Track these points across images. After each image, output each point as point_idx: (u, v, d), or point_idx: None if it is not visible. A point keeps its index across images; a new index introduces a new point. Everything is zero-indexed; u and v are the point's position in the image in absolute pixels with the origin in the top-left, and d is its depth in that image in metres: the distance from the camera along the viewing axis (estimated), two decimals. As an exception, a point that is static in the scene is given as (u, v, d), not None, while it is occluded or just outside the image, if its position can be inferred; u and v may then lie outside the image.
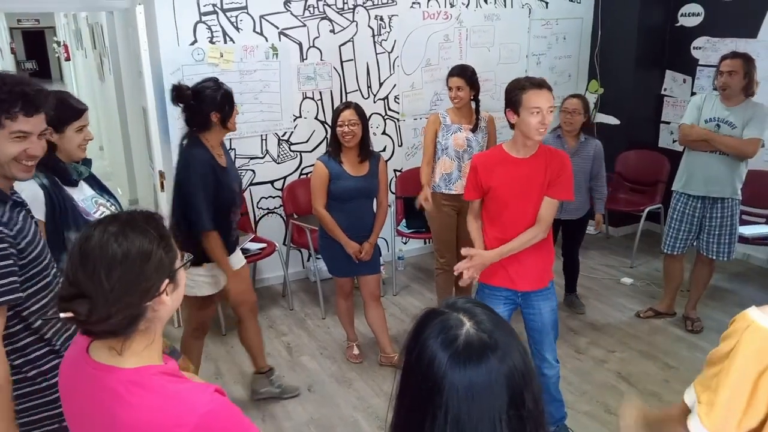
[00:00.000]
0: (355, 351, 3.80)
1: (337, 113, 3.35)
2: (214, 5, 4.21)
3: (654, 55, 5.42)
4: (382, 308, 3.74)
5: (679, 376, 3.58)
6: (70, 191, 2.19)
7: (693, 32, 5.25)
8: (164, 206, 4.01)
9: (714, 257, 3.90)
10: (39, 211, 1.99)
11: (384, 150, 5.06)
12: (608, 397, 3.41)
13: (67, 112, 2.20)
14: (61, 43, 14.29)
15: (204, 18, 4.20)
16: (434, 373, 0.90)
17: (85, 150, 2.32)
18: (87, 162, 2.39)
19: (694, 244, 3.97)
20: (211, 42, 4.26)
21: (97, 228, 1.16)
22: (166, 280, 1.18)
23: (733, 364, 1.18)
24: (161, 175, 3.90)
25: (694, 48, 5.25)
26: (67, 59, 13.82)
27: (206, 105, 2.87)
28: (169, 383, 1.17)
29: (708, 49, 5.16)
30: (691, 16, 5.26)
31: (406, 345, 0.98)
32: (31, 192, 1.99)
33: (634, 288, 4.69)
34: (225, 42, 4.30)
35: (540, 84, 2.62)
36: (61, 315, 1.12)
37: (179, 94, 2.88)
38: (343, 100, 4.79)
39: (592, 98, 5.75)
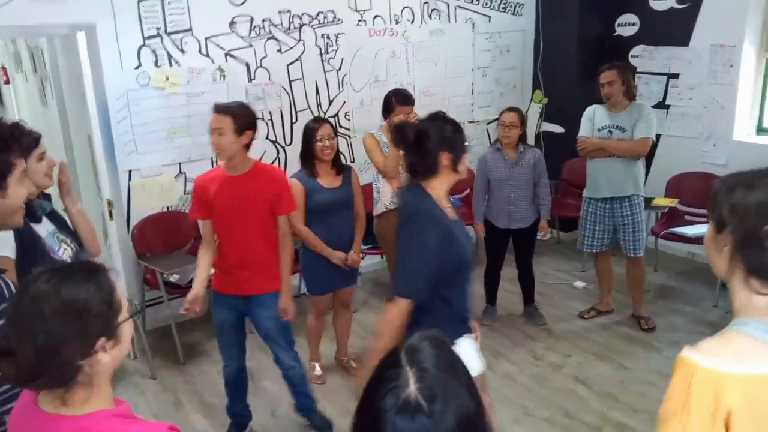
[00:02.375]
0: (317, 372, 3.80)
1: (312, 130, 3.38)
2: (157, 29, 4.16)
3: (594, 64, 5.51)
4: (351, 314, 3.91)
5: (634, 377, 3.69)
6: (35, 227, 2.13)
7: (630, 41, 5.45)
8: (113, 235, 3.94)
9: (632, 254, 4.11)
10: (8, 249, 1.92)
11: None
12: (567, 402, 3.48)
13: (24, 142, 2.11)
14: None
15: (148, 42, 4.14)
16: (378, 417, 0.92)
17: (51, 178, 2.25)
18: (47, 197, 2.33)
19: (621, 244, 4.16)
20: (156, 65, 4.20)
21: (34, 282, 1.13)
22: (103, 338, 1.15)
23: (690, 417, 1.11)
24: (109, 203, 3.82)
25: (631, 56, 5.45)
26: (7, 82, 13.36)
27: (432, 144, 2.24)
28: (122, 426, 1.16)
29: (645, 57, 5.36)
30: (627, 26, 5.46)
31: (366, 384, 0.99)
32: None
33: (586, 291, 4.81)
34: (170, 65, 4.24)
35: (215, 108, 2.82)
36: None
37: (401, 134, 2.31)
38: (293, 120, 4.80)
39: (536, 108, 5.90)
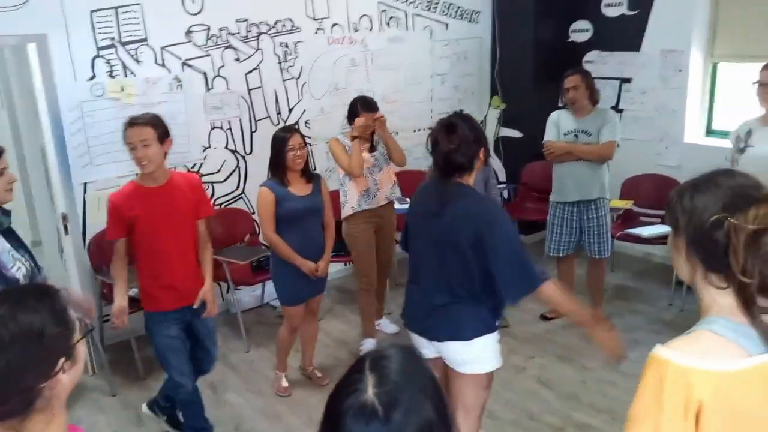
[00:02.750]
0: (284, 383, 3.76)
1: (283, 139, 3.37)
2: (112, 39, 4.08)
3: (550, 69, 5.67)
4: (317, 323, 3.90)
5: (595, 377, 3.76)
6: None
7: (584, 47, 5.58)
8: (69, 250, 3.85)
9: (597, 256, 4.20)
10: None
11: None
12: (530, 404, 3.53)
13: None
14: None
15: (102, 52, 4.07)
16: (338, 417, 0.94)
17: (12, 193, 2.21)
18: (7, 213, 2.28)
19: (585, 246, 4.25)
20: (111, 76, 4.13)
21: None
22: (62, 359, 1.13)
23: (663, 413, 1.15)
24: (64, 218, 3.73)
25: (586, 62, 5.57)
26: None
27: (478, 139, 2.40)
28: None
29: (599, 63, 5.49)
30: (581, 32, 5.59)
31: (334, 387, 1.01)
32: None
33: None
34: (126, 75, 4.17)
35: (132, 122, 2.82)
36: None
37: (452, 132, 2.36)
38: (253, 129, 4.77)
39: (495, 113, 5.99)
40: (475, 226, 2.29)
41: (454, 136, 2.34)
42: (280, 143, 3.39)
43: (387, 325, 4.47)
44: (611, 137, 3.98)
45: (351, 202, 3.96)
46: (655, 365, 1.18)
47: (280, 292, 3.60)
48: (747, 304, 1.18)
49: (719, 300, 1.22)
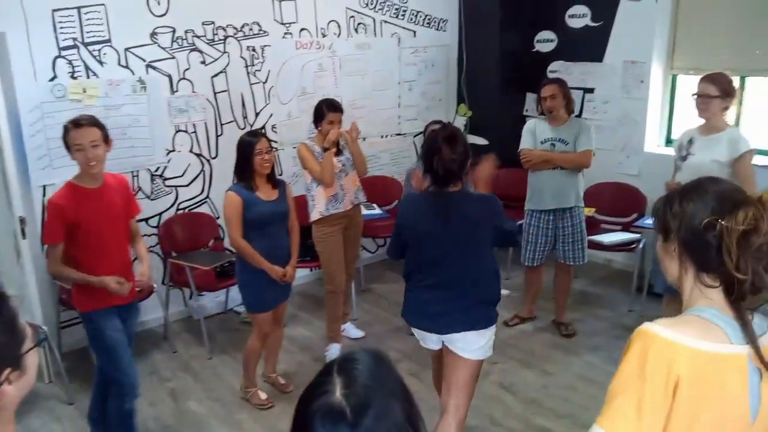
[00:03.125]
0: (263, 396, 3.68)
1: (251, 144, 3.33)
2: (74, 39, 4.01)
3: (515, 78, 5.78)
4: (283, 330, 3.87)
5: (556, 382, 3.81)
6: None
7: (548, 57, 5.67)
8: (26, 254, 3.75)
9: (572, 263, 4.26)
10: None
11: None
12: (493, 409, 3.56)
13: None
14: None
15: (64, 53, 3.99)
16: (306, 420, 0.95)
17: None
18: None
19: (558, 254, 4.29)
20: (73, 77, 4.05)
21: None
22: (8, 369, 1.09)
23: (646, 384, 1.21)
24: (22, 221, 3.64)
25: (550, 71, 5.66)
26: None
27: (467, 153, 2.67)
28: None
29: (563, 73, 5.58)
30: (545, 42, 5.69)
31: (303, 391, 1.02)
32: None
33: (510, 299, 4.92)
34: (88, 77, 4.10)
35: (77, 123, 2.80)
36: None
37: (459, 142, 2.62)
38: (218, 132, 4.73)
39: (461, 121, 6.04)
40: (491, 218, 2.64)
41: (456, 147, 2.55)
42: (247, 147, 3.35)
43: (352, 330, 4.46)
44: (588, 146, 4.02)
45: (319, 206, 3.97)
46: (641, 338, 1.25)
47: (249, 300, 3.51)
48: (736, 300, 1.27)
49: (708, 293, 1.30)
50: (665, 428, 1.22)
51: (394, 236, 2.84)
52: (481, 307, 2.68)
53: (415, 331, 2.86)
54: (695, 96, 3.44)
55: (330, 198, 3.96)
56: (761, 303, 1.30)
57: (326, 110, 3.90)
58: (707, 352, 1.22)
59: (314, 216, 4.00)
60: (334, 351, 4.13)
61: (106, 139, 2.86)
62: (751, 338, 1.24)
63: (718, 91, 3.34)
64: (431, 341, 2.80)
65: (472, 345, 2.68)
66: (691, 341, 1.22)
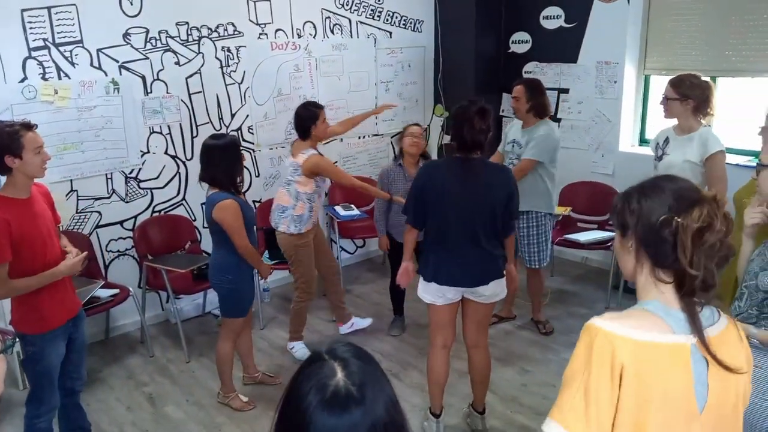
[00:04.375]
0: (244, 399, 3.64)
1: (239, 150, 3.34)
2: (45, 39, 3.93)
3: (491, 79, 5.83)
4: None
5: (535, 380, 3.84)
6: None
7: (523, 58, 5.72)
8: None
9: (528, 265, 4.30)
10: None
11: (241, 182, 4.98)
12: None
13: None
14: None
15: (34, 53, 3.91)
16: (302, 416, 0.94)
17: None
18: None
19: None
20: (44, 78, 3.97)
21: None
22: None
23: (591, 375, 1.26)
24: None
25: (525, 72, 5.71)
26: None
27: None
28: None
29: (537, 74, 5.64)
30: (520, 43, 5.73)
31: (286, 387, 1.02)
32: None
33: (490, 299, 4.96)
34: (59, 78, 4.03)
35: (30, 125, 2.68)
36: None
37: (488, 116, 2.95)
38: (194, 134, 4.68)
39: (438, 121, 6.07)
40: (507, 188, 2.95)
41: (486, 119, 2.90)
42: (237, 153, 3.30)
43: (360, 321, 4.52)
44: (529, 155, 3.98)
45: (315, 217, 4.02)
46: (587, 332, 1.31)
47: (233, 306, 3.44)
48: (685, 293, 1.31)
49: (661, 290, 1.34)
50: (615, 417, 1.27)
51: (413, 203, 3.02)
52: (499, 259, 3.06)
53: (432, 287, 3.05)
54: (664, 98, 3.51)
55: (317, 211, 4.04)
56: (706, 304, 1.35)
57: (315, 109, 3.91)
58: (647, 342, 1.26)
59: (306, 227, 3.97)
60: (300, 347, 4.18)
61: None
62: (697, 328, 1.29)
63: (677, 94, 3.40)
64: (451, 293, 3.06)
65: (493, 291, 3.07)
66: (632, 332, 1.27)
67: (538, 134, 4.01)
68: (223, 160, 3.24)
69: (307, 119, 3.87)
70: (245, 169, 4.89)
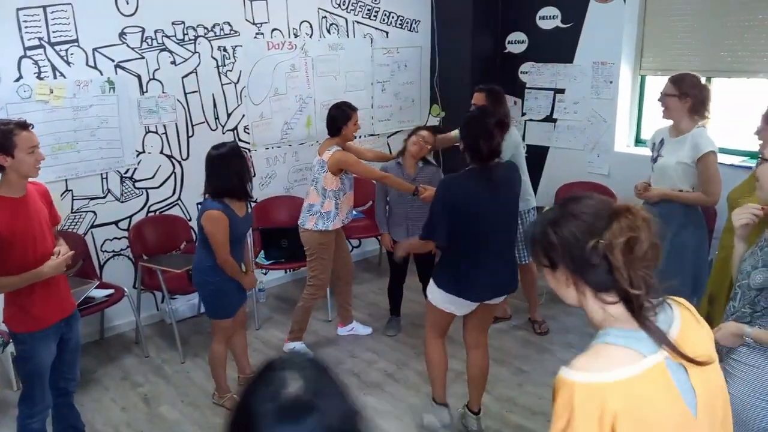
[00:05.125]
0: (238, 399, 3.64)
1: (244, 159, 3.30)
2: (40, 39, 3.92)
3: (487, 79, 5.75)
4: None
5: (531, 379, 3.84)
6: None
7: (519, 58, 5.72)
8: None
9: (519, 261, 4.24)
10: None
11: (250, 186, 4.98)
12: (469, 408, 3.57)
13: None
14: None
15: (29, 53, 3.90)
16: (254, 426, 0.91)
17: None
18: None
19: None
20: (39, 78, 3.96)
21: None
22: None
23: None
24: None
25: (521, 72, 5.72)
26: None
27: None
28: None
29: (533, 74, 5.64)
30: (517, 43, 5.74)
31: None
32: None
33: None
34: (55, 77, 4.01)
35: (25, 124, 2.67)
36: None
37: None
38: (189, 134, 4.67)
39: (434, 121, 6.06)
40: (517, 184, 3.12)
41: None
42: (243, 163, 3.26)
43: (360, 328, 4.51)
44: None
45: (342, 214, 4.06)
46: (563, 388, 1.24)
47: (216, 308, 3.44)
48: (636, 311, 1.27)
49: (610, 311, 1.30)
50: None
51: (437, 221, 2.94)
52: (517, 265, 3.22)
53: (453, 298, 3.02)
54: (663, 96, 3.49)
55: (350, 208, 4.13)
56: (657, 305, 1.31)
57: (348, 110, 3.97)
58: (626, 380, 1.21)
59: (334, 225, 4.04)
60: (300, 349, 4.16)
61: None
62: (662, 341, 1.25)
63: (676, 91, 3.37)
64: (470, 304, 3.06)
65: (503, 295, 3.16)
66: (607, 375, 1.21)
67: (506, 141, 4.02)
68: (228, 168, 3.20)
69: (340, 119, 3.97)
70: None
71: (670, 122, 3.52)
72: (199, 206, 3.53)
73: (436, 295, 3.09)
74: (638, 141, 5.30)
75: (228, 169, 3.20)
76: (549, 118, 5.58)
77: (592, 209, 1.29)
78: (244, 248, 3.52)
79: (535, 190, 4.81)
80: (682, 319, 1.33)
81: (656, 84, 5.15)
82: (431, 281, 3.12)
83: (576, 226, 1.28)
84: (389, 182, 4.08)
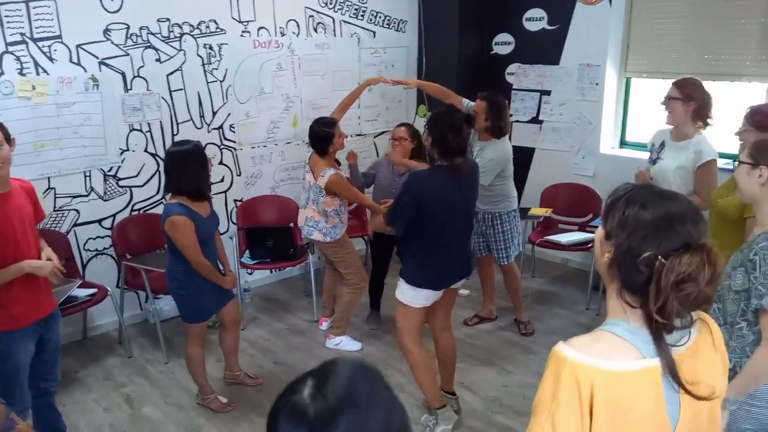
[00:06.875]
0: (223, 400, 3.60)
1: (205, 157, 3.25)
2: (22, 34, 3.87)
3: (473, 80, 5.82)
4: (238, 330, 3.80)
5: (516, 380, 3.85)
6: None
7: (506, 59, 5.74)
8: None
9: (499, 262, 4.36)
10: None
11: (222, 180, 4.95)
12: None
13: None
14: None
15: (11, 48, 3.84)
16: (271, 425, 0.93)
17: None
18: None
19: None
20: (21, 74, 3.90)
21: None
22: None
23: (560, 407, 1.21)
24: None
25: (508, 74, 5.73)
26: None
27: None
28: None
29: (520, 75, 5.66)
30: (503, 44, 5.75)
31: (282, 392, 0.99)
32: None
33: (470, 298, 4.96)
34: (37, 74, 3.96)
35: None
36: None
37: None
38: (174, 132, 4.63)
39: (421, 122, 6.05)
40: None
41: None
42: (203, 160, 3.22)
43: (349, 343, 4.34)
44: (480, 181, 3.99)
45: (344, 221, 4.24)
46: (555, 360, 1.25)
47: (189, 311, 3.40)
48: (653, 326, 1.24)
49: (626, 309, 1.27)
50: None
51: (401, 212, 2.99)
52: (470, 250, 3.36)
53: (424, 292, 3.10)
54: (668, 99, 3.47)
55: (347, 211, 4.33)
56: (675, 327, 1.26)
57: (330, 129, 4.02)
58: (617, 372, 1.20)
59: (340, 233, 4.18)
60: (348, 342, 4.29)
61: (8, 139, 2.62)
62: (664, 356, 1.22)
63: (681, 94, 3.36)
64: (438, 293, 3.16)
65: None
66: (601, 362, 1.20)
67: (485, 158, 4.00)
68: (191, 167, 3.16)
69: (324, 140, 4.02)
70: (227, 168, 4.95)
71: (665, 124, 3.53)
72: (162, 206, 3.41)
73: (410, 293, 3.09)
74: (623, 143, 5.34)
75: (192, 167, 3.16)
76: (535, 120, 5.60)
77: (681, 223, 1.21)
78: (217, 247, 3.47)
79: (520, 191, 4.83)
80: (699, 338, 1.30)
81: (641, 86, 5.20)
82: (401, 283, 3.11)
83: (653, 224, 1.22)
84: (369, 207, 4.32)
